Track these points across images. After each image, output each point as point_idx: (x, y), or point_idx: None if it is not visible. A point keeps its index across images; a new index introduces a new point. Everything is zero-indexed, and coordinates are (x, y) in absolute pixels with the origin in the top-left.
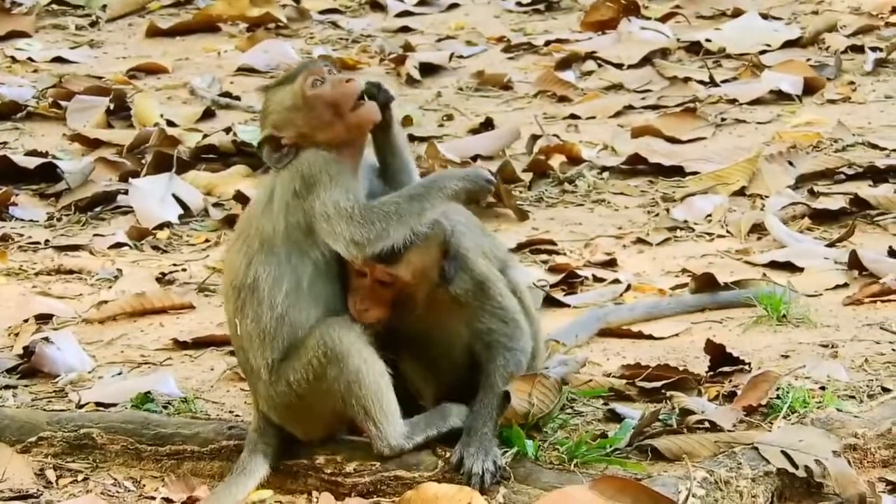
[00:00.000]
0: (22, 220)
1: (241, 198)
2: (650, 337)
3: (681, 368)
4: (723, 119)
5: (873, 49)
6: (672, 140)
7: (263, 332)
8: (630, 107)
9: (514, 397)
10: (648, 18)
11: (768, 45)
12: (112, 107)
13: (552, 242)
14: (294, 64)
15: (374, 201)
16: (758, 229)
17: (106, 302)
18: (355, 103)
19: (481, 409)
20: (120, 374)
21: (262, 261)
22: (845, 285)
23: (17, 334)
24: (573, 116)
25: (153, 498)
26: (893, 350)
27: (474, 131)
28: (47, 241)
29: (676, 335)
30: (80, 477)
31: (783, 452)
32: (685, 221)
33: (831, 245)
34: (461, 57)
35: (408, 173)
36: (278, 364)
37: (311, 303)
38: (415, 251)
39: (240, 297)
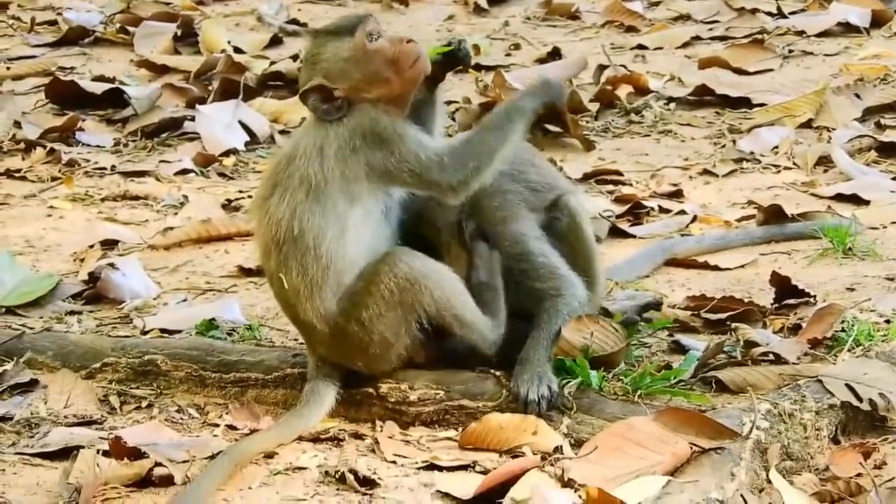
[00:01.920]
0: (88, 145)
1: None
2: (715, 268)
3: (746, 300)
4: (790, 51)
5: None
6: (739, 71)
7: (311, 283)
8: (697, 38)
9: (569, 330)
10: None
11: None
12: (179, 33)
13: (618, 173)
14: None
15: (455, 142)
16: (824, 162)
17: (171, 228)
18: (413, 62)
19: (533, 341)
20: (185, 300)
21: (309, 210)
22: None
23: (82, 260)
24: (640, 47)
25: (217, 425)
26: None
27: (541, 61)
28: (113, 166)
29: (742, 267)
30: (143, 403)
31: (847, 385)
32: (751, 153)
33: None
34: None
35: (438, 125)
36: (337, 310)
37: (356, 248)
38: None
39: (282, 252)
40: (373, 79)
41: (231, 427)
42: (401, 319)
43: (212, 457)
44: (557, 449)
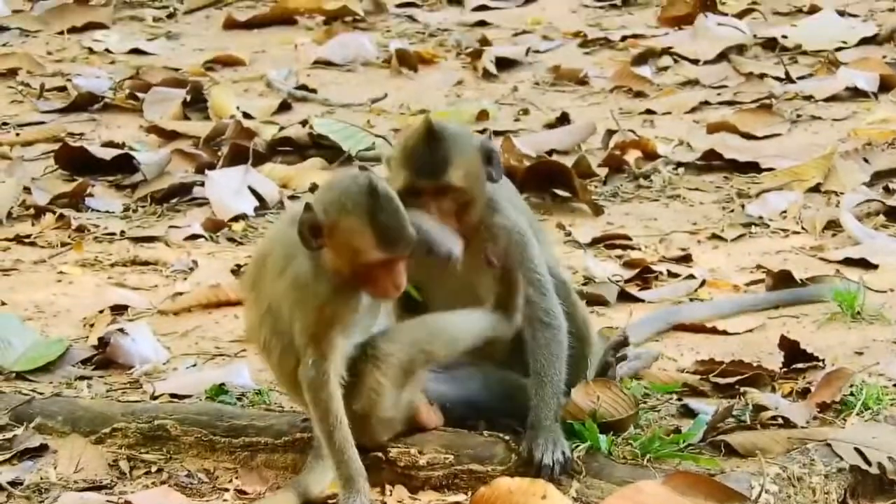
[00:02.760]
0: (98, 211)
1: (316, 190)
2: (724, 332)
3: (754, 364)
4: (798, 115)
5: None
6: (747, 136)
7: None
8: (706, 102)
9: (578, 394)
10: (725, 14)
11: (844, 42)
12: (188, 98)
13: (627, 237)
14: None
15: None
16: (832, 226)
17: (181, 293)
18: None
19: (540, 403)
20: (194, 365)
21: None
22: None
23: (92, 325)
24: (649, 112)
25: (226, 489)
26: None
27: (550, 126)
28: (123, 232)
29: (751, 331)
30: (153, 468)
31: (856, 449)
32: (760, 218)
33: None
34: (537, 52)
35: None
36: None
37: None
38: (457, 160)
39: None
40: (359, 277)
41: (240, 492)
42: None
43: None
44: None
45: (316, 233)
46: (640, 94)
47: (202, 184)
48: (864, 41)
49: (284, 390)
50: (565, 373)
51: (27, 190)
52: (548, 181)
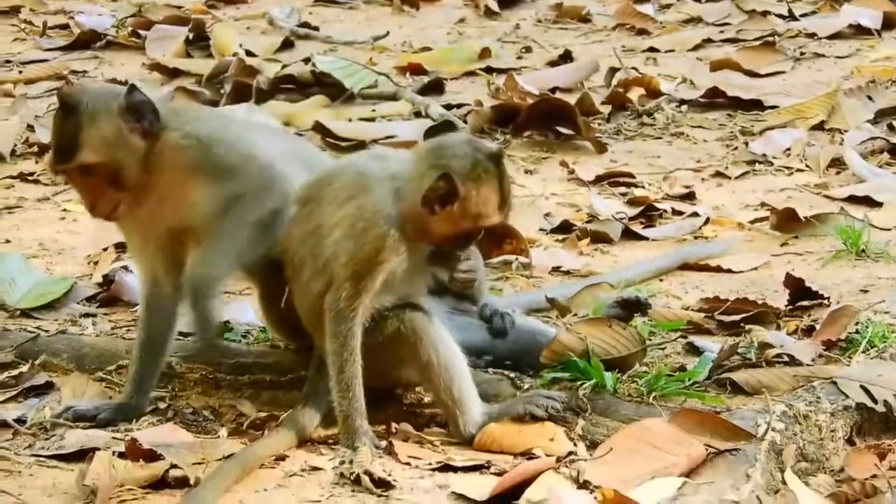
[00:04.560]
0: None
1: (319, 128)
2: (729, 271)
3: (760, 302)
4: (801, 53)
5: None
6: (751, 74)
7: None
8: (709, 40)
9: (564, 333)
10: None
11: None
12: (191, 36)
13: (631, 175)
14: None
15: None
16: (837, 163)
17: None
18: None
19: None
20: None
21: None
22: None
23: (96, 263)
24: (652, 49)
25: (231, 427)
26: None
27: (553, 64)
28: None
29: (755, 269)
30: (159, 405)
31: (862, 387)
32: (764, 155)
33: None
34: None
35: None
36: None
37: None
38: (89, 135)
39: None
40: (435, 230)
41: (244, 429)
42: (390, 368)
43: (225, 458)
44: (572, 451)
45: (446, 200)
46: (642, 32)
47: None
48: None
49: (301, 312)
50: None
51: (30, 128)
52: (551, 119)
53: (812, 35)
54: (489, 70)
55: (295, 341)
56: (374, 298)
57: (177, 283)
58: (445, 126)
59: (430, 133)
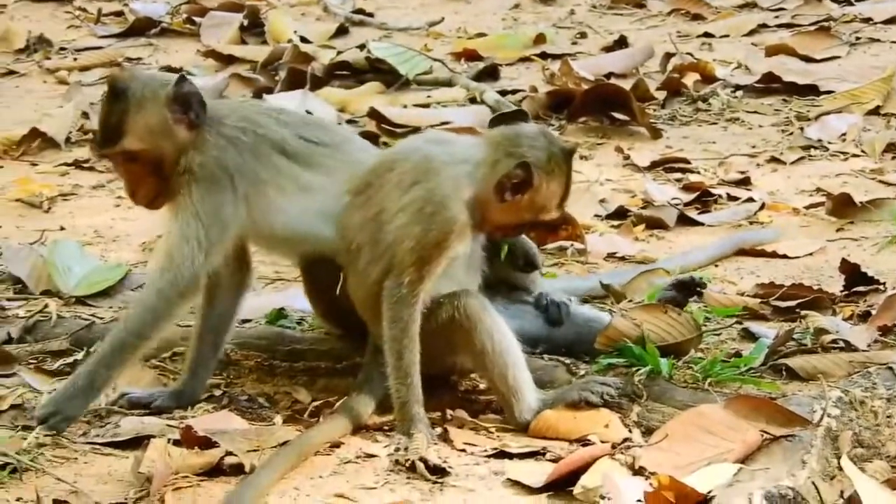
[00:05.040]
0: None
1: (374, 114)
2: (784, 256)
3: (815, 287)
4: (857, 38)
5: None
6: (806, 59)
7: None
8: (764, 25)
9: (619, 319)
10: None
11: None
12: (246, 23)
13: (686, 161)
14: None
15: None
16: (892, 148)
17: None
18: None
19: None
20: (254, 290)
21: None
22: None
23: (151, 249)
24: (707, 35)
25: (286, 414)
26: None
27: (608, 49)
28: None
29: (811, 254)
30: (215, 392)
31: None
32: (819, 140)
33: None
34: None
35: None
36: None
37: None
38: (134, 122)
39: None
40: (506, 217)
41: (299, 416)
42: (444, 354)
43: (280, 445)
44: (628, 437)
45: (520, 188)
46: (697, 17)
47: None
48: None
49: (356, 298)
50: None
51: (85, 115)
52: (606, 105)
53: (867, 20)
54: (544, 56)
55: (344, 331)
56: (434, 286)
57: (235, 271)
58: (516, 115)
59: (498, 120)
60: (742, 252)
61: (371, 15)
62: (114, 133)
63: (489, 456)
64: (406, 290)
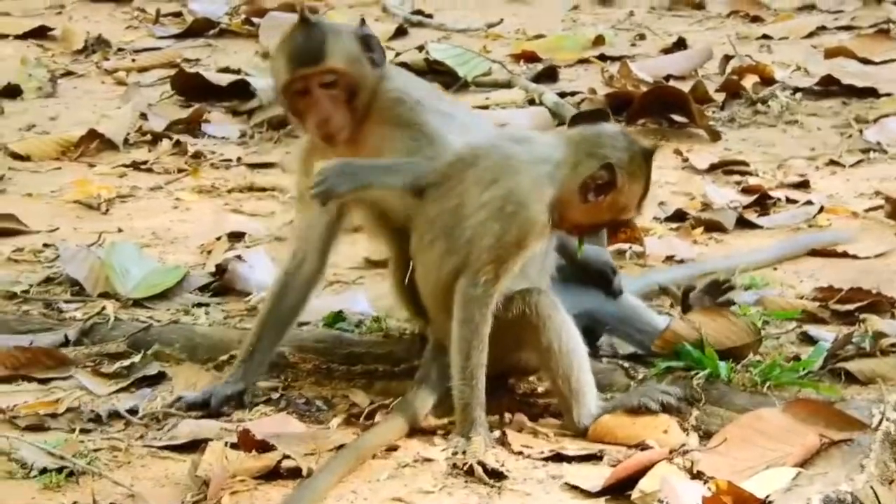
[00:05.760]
0: (214, 137)
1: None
2: (854, 256)
3: (874, 291)
4: None
5: None
6: (865, 61)
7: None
8: (823, 27)
9: (678, 322)
10: None
11: None
12: None
13: (745, 163)
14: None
15: None
16: None
17: None
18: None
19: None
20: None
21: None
22: None
23: (209, 252)
24: (766, 37)
25: (344, 417)
26: None
27: (666, 51)
28: (239, 158)
29: (877, 256)
30: (272, 395)
31: None
32: (878, 143)
33: None
34: None
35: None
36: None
37: None
38: (334, 45)
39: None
40: (588, 216)
41: (356, 419)
42: (510, 350)
43: (338, 449)
44: (685, 441)
45: (604, 189)
46: (756, 19)
47: None
48: None
49: (425, 287)
50: None
51: (143, 116)
52: (664, 107)
53: None
54: (603, 57)
55: (419, 319)
56: (508, 284)
57: (319, 263)
58: (595, 114)
59: (578, 119)
60: (813, 252)
61: (430, 16)
62: (317, 53)
63: (546, 459)
64: (481, 289)
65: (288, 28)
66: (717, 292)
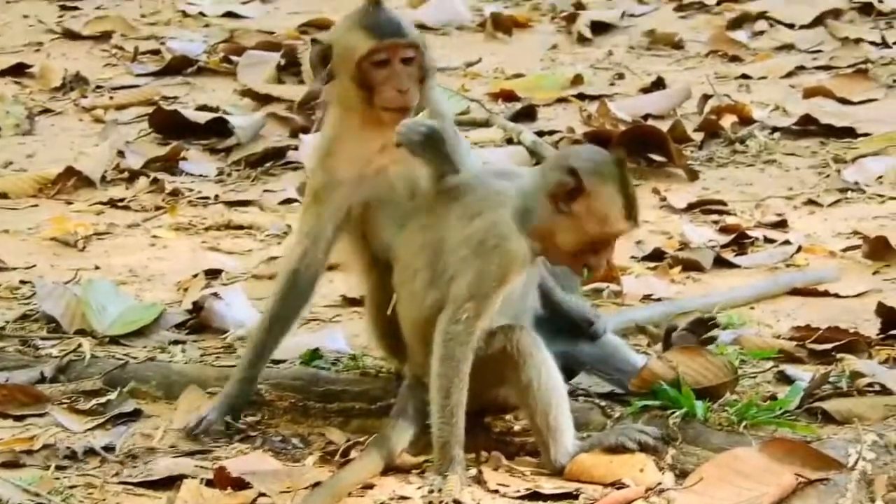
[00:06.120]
0: (192, 175)
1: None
2: (836, 295)
3: (851, 331)
4: (894, 81)
5: None
6: (843, 101)
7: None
8: (801, 67)
9: (654, 361)
10: None
11: None
12: (283, 62)
13: (722, 203)
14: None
15: None
16: None
17: (275, 258)
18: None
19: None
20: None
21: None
22: None
23: (186, 289)
24: (744, 76)
25: (320, 455)
26: None
27: (645, 90)
28: (217, 196)
29: (861, 294)
30: (249, 433)
31: None
32: (856, 183)
33: None
34: (632, 15)
35: None
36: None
37: None
38: (409, 23)
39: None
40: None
41: (332, 457)
42: (488, 386)
43: (313, 486)
44: (661, 480)
45: (573, 196)
46: (735, 59)
47: (296, 148)
48: None
49: (405, 320)
50: None
51: (121, 153)
52: (643, 146)
53: None
54: (581, 97)
55: (395, 357)
56: (490, 319)
57: (323, 265)
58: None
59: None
60: (792, 291)
61: None
62: (400, 28)
63: (523, 497)
64: (463, 327)
65: (356, 9)
66: (702, 329)
